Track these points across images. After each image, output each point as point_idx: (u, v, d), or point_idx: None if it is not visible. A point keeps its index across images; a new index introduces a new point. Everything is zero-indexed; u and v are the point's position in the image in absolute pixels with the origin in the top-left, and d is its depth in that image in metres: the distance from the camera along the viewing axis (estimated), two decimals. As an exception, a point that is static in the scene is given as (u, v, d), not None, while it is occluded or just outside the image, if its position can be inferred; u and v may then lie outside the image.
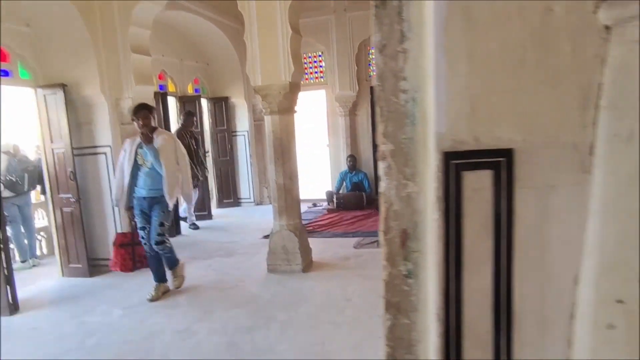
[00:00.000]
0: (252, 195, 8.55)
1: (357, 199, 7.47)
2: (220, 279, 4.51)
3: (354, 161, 7.87)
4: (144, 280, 4.32)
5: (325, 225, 6.44)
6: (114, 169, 4.68)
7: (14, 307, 3.96)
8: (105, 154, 4.73)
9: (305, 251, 4.58)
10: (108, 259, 4.90)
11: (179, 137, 5.28)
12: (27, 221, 5.49)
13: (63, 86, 4.51)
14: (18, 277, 4.93)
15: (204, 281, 4.46)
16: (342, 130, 8.12)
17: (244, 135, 8.33)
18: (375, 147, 8.31)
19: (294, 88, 4.29)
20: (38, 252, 5.79)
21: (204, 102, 7.86)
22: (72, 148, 4.61)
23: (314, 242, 5.55)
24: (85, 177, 4.81)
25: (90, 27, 4.45)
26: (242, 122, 8.27)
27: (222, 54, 7.82)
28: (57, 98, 4.52)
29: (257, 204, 8.55)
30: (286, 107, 4.32)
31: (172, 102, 7.31)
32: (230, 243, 5.81)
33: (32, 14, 4.41)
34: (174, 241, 6.16)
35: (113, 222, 4.84)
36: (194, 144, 6.50)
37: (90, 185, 4.82)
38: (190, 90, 7.54)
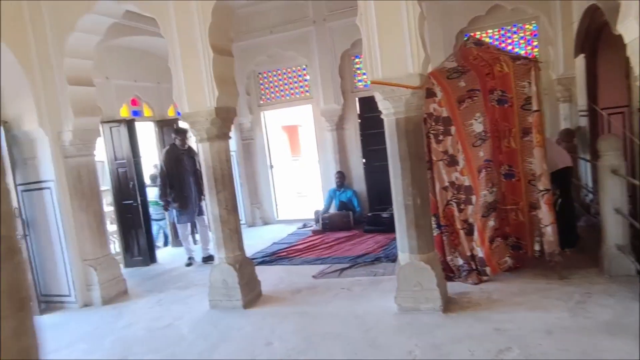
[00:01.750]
0: (243, 216, 8.33)
1: (343, 219, 7.05)
2: (159, 316, 4.27)
3: (341, 178, 7.46)
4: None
5: (301, 250, 6.08)
6: (59, 203, 4.62)
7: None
8: (49, 188, 4.66)
9: (248, 285, 4.25)
10: (60, 295, 4.82)
11: (178, 156, 5.79)
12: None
13: (3, 123, 4.50)
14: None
15: (144, 319, 4.24)
16: (331, 145, 7.74)
17: (233, 156, 8.14)
18: (366, 162, 7.92)
19: (222, 113, 4.01)
20: None
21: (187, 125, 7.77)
22: (16, 184, 4.58)
23: (278, 271, 5.25)
24: (33, 213, 4.77)
25: (26, 62, 4.42)
26: (230, 142, 8.08)
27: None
28: (-2, 135, 4.51)
29: (250, 226, 8.33)
30: (216, 134, 4.04)
31: (149, 126, 7.28)
32: (198, 272, 5.59)
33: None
34: (146, 270, 6.13)
35: (62, 256, 4.75)
36: (198, 163, 6.38)
37: (39, 220, 4.77)
38: (171, 114, 7.48)
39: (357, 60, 7.53)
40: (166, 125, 7.09)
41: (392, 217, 6.65)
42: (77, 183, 4.74)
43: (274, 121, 10.42)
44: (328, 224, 7.05)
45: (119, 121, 6.15)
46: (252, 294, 4.27)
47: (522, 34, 6.60)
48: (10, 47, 4.26)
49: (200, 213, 5.92)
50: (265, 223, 8.45)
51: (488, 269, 4.07)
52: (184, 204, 5.81)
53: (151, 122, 7.19)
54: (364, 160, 7.73)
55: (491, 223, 4.08)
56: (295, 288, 4.57)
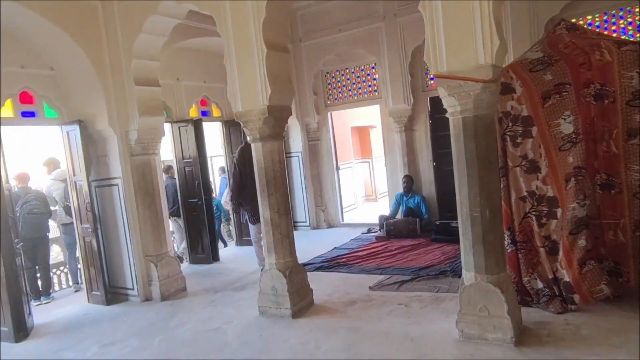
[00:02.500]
0: (307, 218, 8.21)
1: (409, 226, 6.60)
2: (210, 317, 4.22)
3: (409, 183, 7.00)
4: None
5: (361, 258, 5.76)
6: (125, 199, 4.78)
7: (22, 335, 4.17)
8: (117, 185, 4.84)
9: (299, 294, 4.04)
10: (125, 288, 5.00)
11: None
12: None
13: (79, 122, 4.75)
14: (56, 304, 5.34)
15: (195, 319, 4.22)
16: (399, 147, 7.31)
17: (298, 157, 8.06)
18: (436, 166, 7.36)
19: (275, 112, 3.84)
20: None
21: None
22: (89, 180, 4.82)
23: (334, 279, 5.01)
24: (104, 208, 4.99)
25: (99, 64, 4.61)
26: (296, 143, 8.01)
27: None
28: (75, 134, 4.77)
29: (314, 228, 8.17)
30: (268, 134, 3.88)
31: (217, 126, 7.40)
32: (253, 273, 5.52)
33: (54, 58, 4.74)
34: (208, 268, 6.18)
35: (127, 251, 4.91)
36: None
37: (108, 215, 4.98)
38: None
39: (430, 56, 7.02)
40: (233, 125, 7.16)
41: (463, 226, 6.19)
42: (140, 180, 4.87)
43: (344, 122, 10.23)
44: (393, 231, 6.65)
45: (187, 121, 6.29)
46: (302, 303, 4.05)
47: (630, 19, 5.63)
48: (84, 49, 4.48)
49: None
50: (330, 226, 8.24)
51: (576, 297, 3.42)
52: (257, 205, 5.24)
53: (219, 122, 7.31)
54: (434, 164, 7.21)
55: (582, 242, 3.43)
56: (349, 299, 4.27)
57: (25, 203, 5.34)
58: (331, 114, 8.09)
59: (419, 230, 6.55)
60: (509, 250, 3.63)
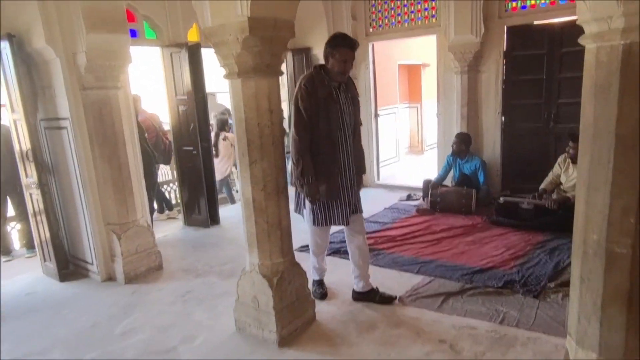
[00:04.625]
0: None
1: (461, 198, 5.05)
2: (173, 324, 3.03)
3: (465, 143, 5.32)
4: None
5: (394, 240, 4.35)
6: (76, 148, 3.54)
7: None
8: (66, 128, 3.58)
9: (292, 310, 2.74)
10: (84, 261, 3.91)
11: (330, 94, 2.79)
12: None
13: (10, 37, 3.41)
14: (14, 266, 4.39)
15: (152, 325, 3.05)
16: (457, 94, 5.57)
17: (328, 98, 6.49)
18: (506, 121, 5.60)
19: (262, 28, 2.31)
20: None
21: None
22: (29, 120, 3.58)
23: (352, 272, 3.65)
24: (56, 157, 3.80)
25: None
26: (327, 81, 6.41)
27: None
28: (6, 53, 3.46)
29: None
30: (252, 66, 2.39)
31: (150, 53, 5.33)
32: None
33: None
34: (202, 235, 4.94)
35: (83, 216, 3.76)
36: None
37: (61, 167, 3.79)
38: (193, 38, 5.28)
39: (515, -34, 5.04)
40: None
41: (536, 210, 4.52)
42: (97, 124, 3.58)
43: (390, 57, 8.40)
44: (440, 203, 5.14)
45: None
46: (296, 322, 2.76)
47: None
48: None
49: (356, 210, 3.00)
50: (363, 186, 6.80)
51: None
52: (334, 187, 2.85)
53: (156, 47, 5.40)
54: (503, 119, 5.47)
55: None
56: (368, 320, 2.92)
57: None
58: (373, 45, 6.33)
59: (474, 205, 5.00)
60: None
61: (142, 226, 3.88)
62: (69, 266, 3.98)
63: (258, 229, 2.61)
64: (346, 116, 2.83)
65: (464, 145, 5.24)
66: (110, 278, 3.82)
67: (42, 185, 3.72)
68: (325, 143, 2.79)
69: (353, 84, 2.99)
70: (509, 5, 5.14)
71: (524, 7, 5.06)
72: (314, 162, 2.79)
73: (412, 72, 9.93)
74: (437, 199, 5.15)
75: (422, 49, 8.89)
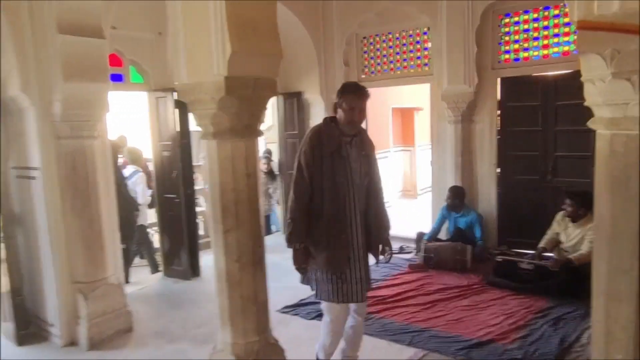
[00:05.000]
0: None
1: (456, 254, 4.80)
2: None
3: (458, 197, 5.10)
4: None
5: (384, 301, 4.06)
6: (46, 200, 3.29)
7: None
8: (35, 178, 3.35)
9: (268, 398, 2.43)
10: (46, 322, 3.58)
11: (339, 147, 2.48)
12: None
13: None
14: None
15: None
16: (451, 143, 5.43)
17: (320, 144, 6.34)
18: (502, 173, 5.43)
19: (242, 87, 2.13)
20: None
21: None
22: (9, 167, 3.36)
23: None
24: (24, 207, 3.55)
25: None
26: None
27: (292, 37, 5.94)
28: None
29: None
30: (229, 127, 2.20)
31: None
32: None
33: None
34: (182, 288, 4.62)
35: (48, 272, 3.46)
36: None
37: (28, 219, 3.53)
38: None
39: (506, 19, 5.01)
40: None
41: (537, 270, 4.28)
42: (70, 175, 3.35)
43: (383, 101, 8.37)
44: (434, 259, 4.88)
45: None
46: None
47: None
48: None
49: (368, 284, 2.65)
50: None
51: None
52: (339, 257, 2.48)
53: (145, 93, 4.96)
54: (498, 170, 5.31)
55: None
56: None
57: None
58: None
59: (470, 262, 4.75)
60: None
61: (113, 284, 3.59)
62: (29, 327, 3.64)
63: (231, 305, 2.35)
64: (356, 175, 2.49)
65: (457, 200, 5.04)
66: (72, 343, 3.48)
67: (8, 237, 3.44)
68: (330, 205, 2.45)
69: (368, 139, 2.66)
70: (502, 57, 5.09)
71: (517, 60, 5.01)
72: (316, 226, 2.48)
73: (405, 116, 9.90)
74: (430, 254, 4.90)
75: (416, 93, 8.88)
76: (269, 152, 6.91)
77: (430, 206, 5.94)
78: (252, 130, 2.29)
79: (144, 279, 5.07)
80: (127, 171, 5.12)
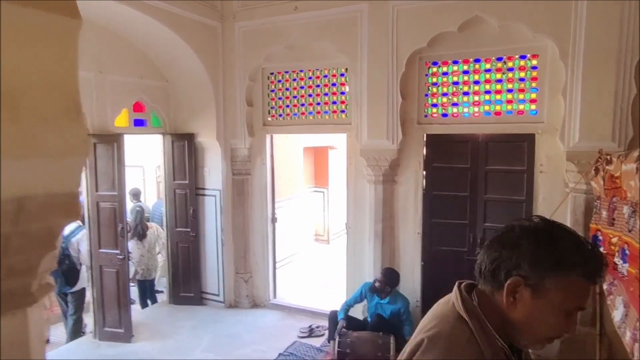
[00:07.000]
0: (222, 291, 5.38)
1: (376, 349, 3.92)
2: None
3: (390, 285, 4.17)
4: None
5: None
6: None
7: None
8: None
9: None
10: None
11: None
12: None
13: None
14: None
15: None
16: (371, 206, 4.61)
17: (215, 196, 5.18)
18: (426, 244, 4.67)
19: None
20: None
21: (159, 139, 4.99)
22: None
23: None
24: None
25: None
26: (215, 176, 5.12)
27: (185, 68, 4.78)
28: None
29: (230, 306, 5.38)
30: None
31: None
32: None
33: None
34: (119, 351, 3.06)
35: None
36: None
37: None
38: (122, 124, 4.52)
39: (434, 68, 4.35)
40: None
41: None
42: None
43: (293, 140, 7.37)
44: (350, 355, 3.94)
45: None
46: None
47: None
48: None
49: None
50: (255, 305, 5.46)
51: None
52: None
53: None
54: (423, 240, 4.58)
55: None
56: None
57: None
58: (272, 137, 5.25)
59: (392, 355, 3.88)
60: None
61: None
62: None
63: None
64: None
65: (388, 288, 4.17)
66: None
67: None
68: None
69: None
70: (429, 110, 4.42)
71: (444, 115, 4.36)
72: None
73: (318, 155, 9.08)
74: (346, 349, 3.95)
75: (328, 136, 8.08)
76: (139, 207, 5.55)
77: (344, 282, 5.00)
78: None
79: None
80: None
